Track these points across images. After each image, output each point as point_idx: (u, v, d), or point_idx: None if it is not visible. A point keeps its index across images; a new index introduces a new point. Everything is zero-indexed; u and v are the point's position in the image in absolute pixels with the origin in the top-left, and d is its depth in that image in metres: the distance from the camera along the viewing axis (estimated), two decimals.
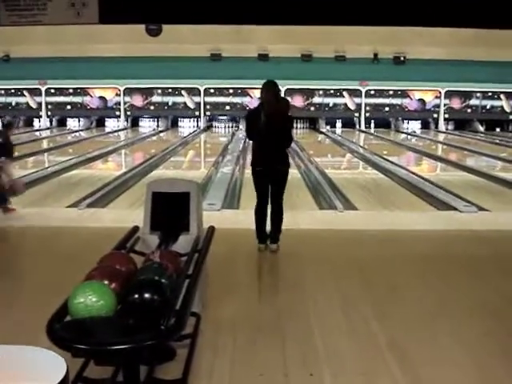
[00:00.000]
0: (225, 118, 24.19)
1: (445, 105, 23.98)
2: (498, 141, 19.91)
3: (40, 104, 23.73)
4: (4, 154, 7.70)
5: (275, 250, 6.07)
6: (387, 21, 9.47)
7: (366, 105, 23.95)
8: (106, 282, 2.83)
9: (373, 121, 24.37)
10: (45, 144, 19.20)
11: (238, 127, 23.00)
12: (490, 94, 23.84)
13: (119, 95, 23.75)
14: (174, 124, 24.27)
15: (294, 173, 11.30)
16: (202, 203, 4.88)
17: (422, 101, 24.05)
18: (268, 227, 6.14)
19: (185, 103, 23.83)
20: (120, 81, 23.25)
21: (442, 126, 24.13)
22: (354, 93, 23.85)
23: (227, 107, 23.77)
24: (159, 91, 23.74)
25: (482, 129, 23.95)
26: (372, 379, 3.43)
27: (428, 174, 12.56)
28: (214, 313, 4.24)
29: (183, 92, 23.73)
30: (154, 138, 21.18)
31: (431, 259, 5.91)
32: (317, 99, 23.88)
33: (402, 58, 23.21)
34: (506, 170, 13.25)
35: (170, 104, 23.84)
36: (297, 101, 23.50)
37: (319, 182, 10.50)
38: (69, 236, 6.68)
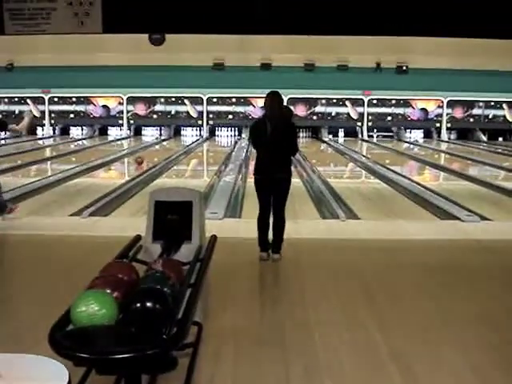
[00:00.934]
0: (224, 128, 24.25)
1: (447, 114, 23.99)
2: (500, 150, 19.91)
3: (43, 112, 23.80)
4: None
5: (277, 260, 6.07)
6: (390, 31, 9.50)
7: (368, 114, 23.98)
8: (108, 291, 2.84)
9: (375, 130, 24.40)
10: (48, 152, 19.26)
11: (241, 136, 23.04)
12: (492, 103, 23.85)
13: (122, 104, 23.82)
14: (177, 133, 24.32)
15: (296, 182, 11.31)
16: (205, 212, 4.88)
17: (424, 110, 24.07)
18: (270, 236, 6.15)
19: (187, 112, 23.89)
20: (123, 90, 23.32)
21: (444, 135, 24.13)
22: (357, 102, 23.88)
23: (230, 116, 23.82)
24: (162, 100, 23.80)
25: (484, 138, 23.94)
26: None
27: (430, 183, 12.55)
28: (215, 322, 4.24)
29: (186, 101, 23.79)
30: (157, 146, 21.22)
31: (433, 269, 5.90)
32: (319, 108, 23.92)
33: (404, 68, 23.26)
34: (509, 180, 13.25)
35: (172, 113, 23.90)
36: (299, 110, 23.54)
37: (321, 191, 10.50)
38: (71, 244, 6.68)
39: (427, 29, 9.32)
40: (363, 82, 23.16)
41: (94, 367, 2.69)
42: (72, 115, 23.94)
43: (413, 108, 24.03)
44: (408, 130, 24.58)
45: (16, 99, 23.71)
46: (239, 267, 5.83)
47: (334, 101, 23.87)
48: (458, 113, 24.03)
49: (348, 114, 24.04)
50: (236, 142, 21.71)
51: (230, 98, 23.67)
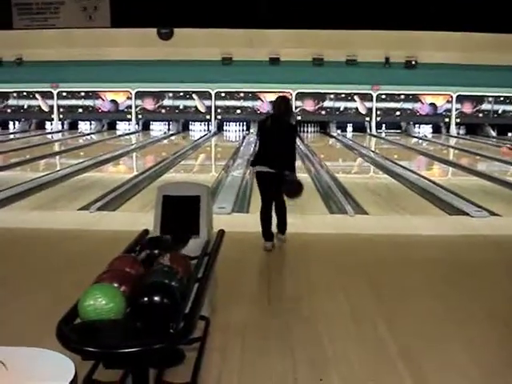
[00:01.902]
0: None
1: (456, 109, 23.87)
2: (509, 145, 19.79)
3: (52, 107, 23.84)
4: None
5: (284, 240, 6.30)
6: (399, 25, 9.47)
7: (377, 109, 23.90)
8: (115, 285, 2.84)
9: (384, 125, 24.33)
10: (56, 147, 19.31)
11: (249, 131, 23.02)
12: (501, 98, 23.70)
13: (130, 98, 23.81)
14: (185, 128, 24.33)
15: (304, 177, 11.31)
16: (212, 207, 4.88)
17: (433, 105, 23.95)
18: (274, 228, 6.28)
19: (196, 107, 23.88)
20: (131, 84, 23.31)
21: (453, 130, 24.01)
22: (365, 97, 23.79)
23: (238, 111, 23.79)
24: (170, 95, 23.79)
25: (493, 133, 23.81)
26: None
27: (439, 178, 12.50)
28: (223, 316, 4.24)
29: (194, 96, 23.78)
30: (165, 141, 21.24)
31: (442, 264, 5.88)
32: (328, 103, 23.83)
33: (413, 62, 23.13)
34: None
35: (181, 107, 23.90)
36: (308, 105, 23.50)
37: (330, 186, 10.48)
38: (79, 239, 6.70)
39: (436, 23, 9.29)
40: (372, 77, 23.06)
41: (101, 361, 2.70)
42: (80, 110, 23.96)
43: (422, 103, 23.92)
44: (417, 125, 24.49)
45: (25, 94, 23.78)
46: (247, 262, 5.83)
47: (343, 95, 23.77)
48: (467, 108, 23.91)
49: (356, 108, 23.94)
50: (244, 137, 21.68)
51: (239, 92, 23.62)
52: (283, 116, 6.23)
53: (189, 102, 23.87)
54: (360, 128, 24.09)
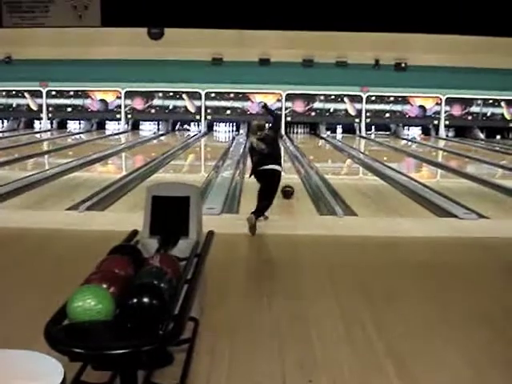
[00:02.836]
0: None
1: (445, 111, 24.00)
2: (498, 148, 19.91)
3: (41, 106, 23.74)
4: None
5: (250, 220, 6.69)
6: (389, 27, 9.49)
7: (366, 111, 23.97)
8: (104, 286, 2.82)
9: (373, 126, 24.42)
10: (45, 146, 19.21)
11: (239, 132, 23.01)
12: (490, 101, 23.87)
13: (120, 98, 23.76)
14: (175, 128, 24.29)
15: (294, 178, 11.32)
16: (202, 207, 4.87)
17: (422, 107, 24.07)
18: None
19: (185, 107, 23.85)
20: (121, 84, 23.27)
21: (442, 132, 24.14)
22: (355, 98, 23.86)
23: (228, 111, 23.79)
24: (160, 95, 23.75)
25: (482, 136, 23.97)
26: None
27: (428, 180, 12.54)
28: (212, 318, 4.23)
29: (184, 96, 23.75)
30: (155, 141, 21.19)
31: (431, 266, 5.90)
32: (317, 104, 23.89)
33: (403, 65, 23.24)
34: (506, 178, 13.25)
35: (170, 108, 23.86)
36: (297, 106, 23.54)
37: (319, 188, 10.49)
38: (68, 239, 6.66)
39: (426, 26, 9.31)
40: (362, 79, 23.15)
41: (89, 363, 2.68)
42: (69, 109, 23.88)
43: (411, 105, 24.03)
44: (406, 127, 24.59)
45: (13, 92, 23.66)
46: (236, 263, 5.82)
47: (333, 97, 23.85)
48: (456, 110, 24.04)
49: (346, 110, 24.02)
50: (234, 138, 21.69)
51: (229, 93, 23.62)
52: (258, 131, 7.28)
53: (179, 102, 23.85)
54: (349, 129, 24.19)
